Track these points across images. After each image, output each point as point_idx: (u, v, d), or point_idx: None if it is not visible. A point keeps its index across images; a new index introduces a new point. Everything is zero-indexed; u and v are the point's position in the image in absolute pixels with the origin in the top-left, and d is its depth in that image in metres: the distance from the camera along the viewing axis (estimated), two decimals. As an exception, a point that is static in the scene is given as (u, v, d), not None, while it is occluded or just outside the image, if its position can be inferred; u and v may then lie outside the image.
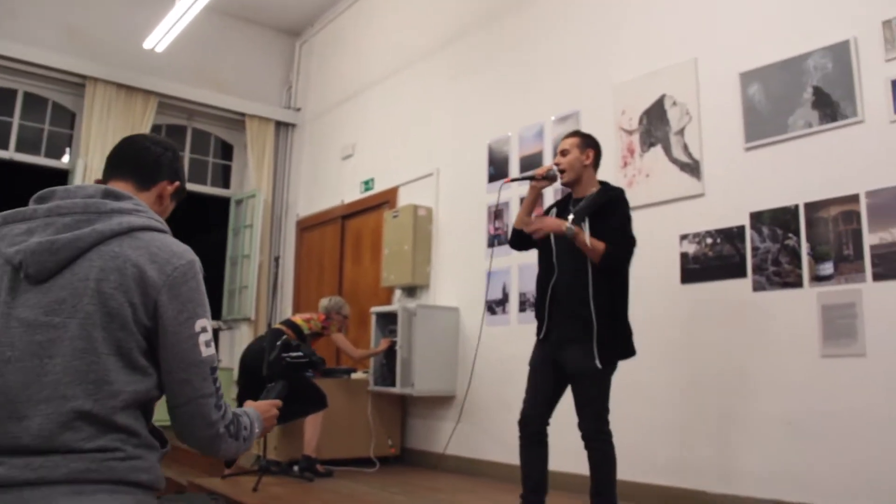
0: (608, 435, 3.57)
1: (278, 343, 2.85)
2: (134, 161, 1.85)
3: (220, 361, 8.59)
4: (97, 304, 1.55)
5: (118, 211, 1.66)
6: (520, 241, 3.93)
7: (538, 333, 3.79)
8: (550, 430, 3.73)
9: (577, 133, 3.96)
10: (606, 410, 3.57)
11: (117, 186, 1.78)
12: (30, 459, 1.46)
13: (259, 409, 1.94)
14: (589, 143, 3.85)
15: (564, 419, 3.71)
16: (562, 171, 3.80)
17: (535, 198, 3.91)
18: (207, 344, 1.68)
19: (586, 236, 3.52)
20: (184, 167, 1.99)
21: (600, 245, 3.51)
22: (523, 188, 5.78)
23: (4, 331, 1.54)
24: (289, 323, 5.92)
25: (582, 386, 3.59)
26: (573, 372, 3.61)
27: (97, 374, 1.52)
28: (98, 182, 1.80)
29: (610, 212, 3.65)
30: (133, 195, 1.75)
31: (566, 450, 3.85)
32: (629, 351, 3.67)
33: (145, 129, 8.30)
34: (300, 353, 2.72)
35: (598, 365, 3.51)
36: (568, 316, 3.64)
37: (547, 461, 3.73)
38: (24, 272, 1.57)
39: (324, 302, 6.22)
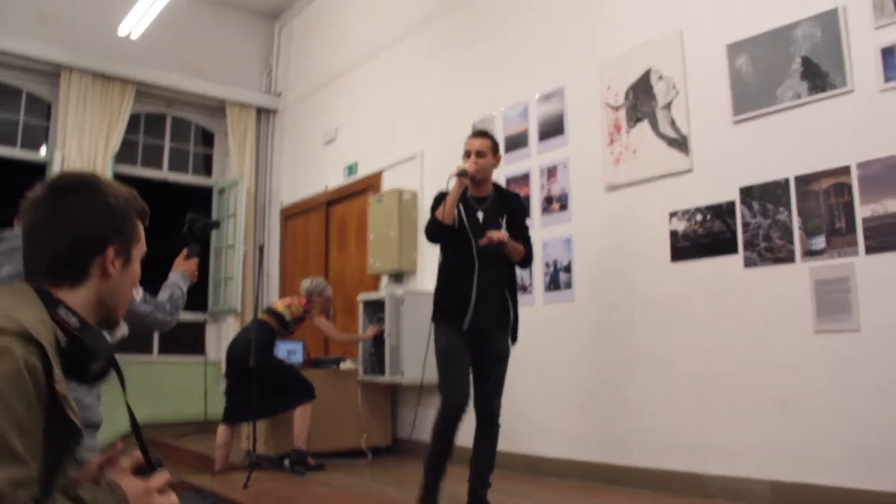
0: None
1: (187, 218, 3.16)
2: None
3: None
4: None
5: None
6: (440, 233, 3.99)
7: (457, 324, 3.93)
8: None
9: (486, 135, 4.15)
10: None
11: None
12: None
13: (181, 269, 2.76)
14: (497, 149, 4.11)
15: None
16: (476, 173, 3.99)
17: (461, 194, 3.98)
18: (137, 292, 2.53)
19: (515, 245, 3.97)
20: None
21: (520, 248, 4.00)
22: (508, 168, 5.68)
23: None
24: (270, 311, 5.80)
25: (501, 367, 4.00)
26: (495, 354, 3.98)
27: None
28: None
29: (521, 217, 4.14)
30: None
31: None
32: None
33: (123, 118, 8.15)
34: (199, 220, 3.23)
35: (511, 347, 4.05)
36: (491, 305, 3.95)
37: None
38: None
39: (305, 284, 6.07)
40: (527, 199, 5.53)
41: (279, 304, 5.90)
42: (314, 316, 5.88)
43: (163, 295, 2.76)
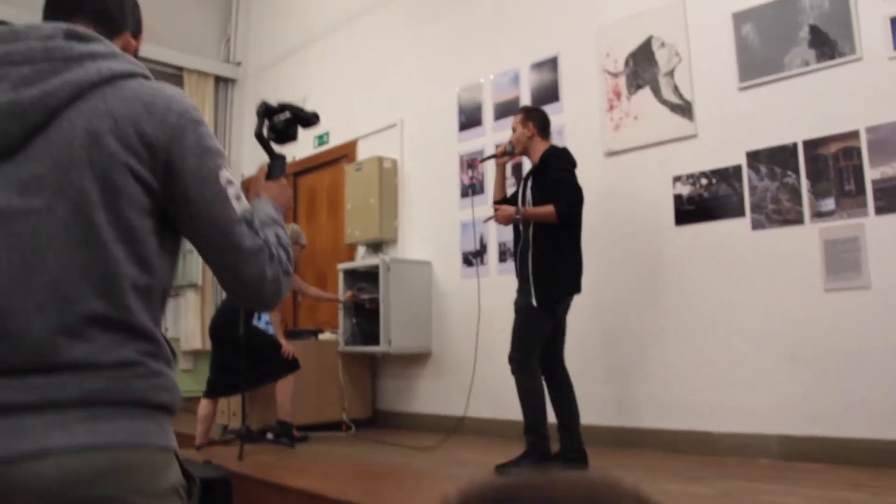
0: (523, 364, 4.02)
1: (258, 112, 1.93)
2: (93, 3, 1.39)
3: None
4: (92, 178, 1.17)
5: (90, 55, 1.24)
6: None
7: None
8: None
9: (520, 109, 4.46)
10: (527, 343, 4.02)
11: None
12: (27, 380, 1.11)
13: (269, 196, 1.61)
14: (529, 116, 4.28)
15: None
16: (514, 147, 4.32)
17: (502, 173, 4.48)
18: (238, 198, 1.33)
19: (534, 210, 4.03)
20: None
21: (548, 209, 3.98)
22: (498, 136, 5.64)
23: None
24: None
25: (516, 320, 4.10)
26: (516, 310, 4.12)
27: (106, 269, 1.17)
28: None
29: (545, 169, 4.13)
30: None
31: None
32: (569, 290, 4.11)
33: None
34: (285, 110, 1.73)
35: (534, 303, 4.00)
36: (519, 268, 4.20)
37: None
38: None
39: None
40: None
41: None
42: None
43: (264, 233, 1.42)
